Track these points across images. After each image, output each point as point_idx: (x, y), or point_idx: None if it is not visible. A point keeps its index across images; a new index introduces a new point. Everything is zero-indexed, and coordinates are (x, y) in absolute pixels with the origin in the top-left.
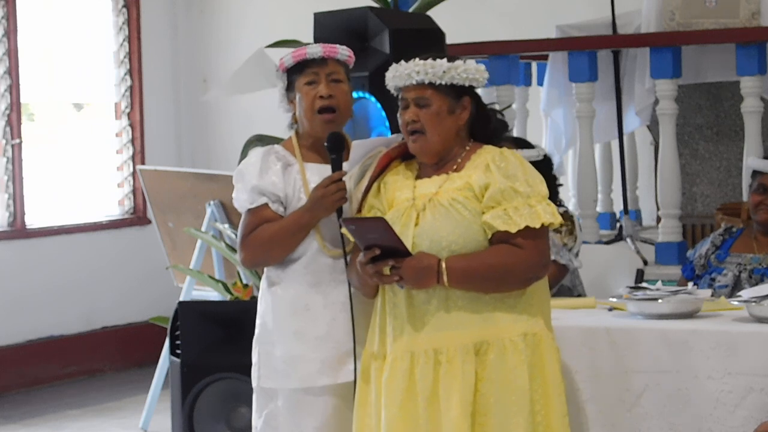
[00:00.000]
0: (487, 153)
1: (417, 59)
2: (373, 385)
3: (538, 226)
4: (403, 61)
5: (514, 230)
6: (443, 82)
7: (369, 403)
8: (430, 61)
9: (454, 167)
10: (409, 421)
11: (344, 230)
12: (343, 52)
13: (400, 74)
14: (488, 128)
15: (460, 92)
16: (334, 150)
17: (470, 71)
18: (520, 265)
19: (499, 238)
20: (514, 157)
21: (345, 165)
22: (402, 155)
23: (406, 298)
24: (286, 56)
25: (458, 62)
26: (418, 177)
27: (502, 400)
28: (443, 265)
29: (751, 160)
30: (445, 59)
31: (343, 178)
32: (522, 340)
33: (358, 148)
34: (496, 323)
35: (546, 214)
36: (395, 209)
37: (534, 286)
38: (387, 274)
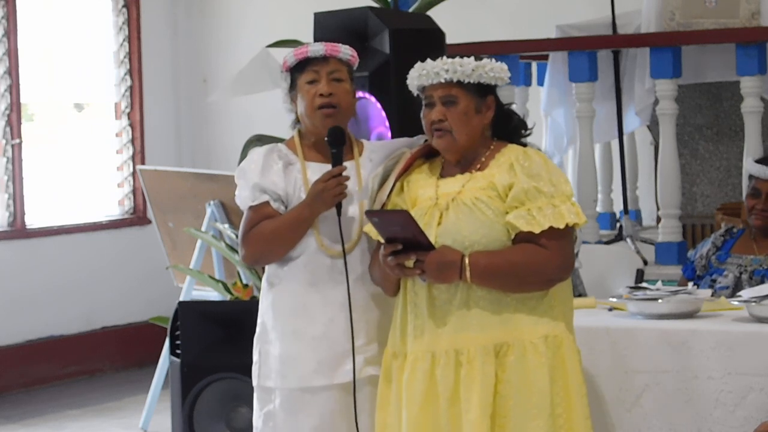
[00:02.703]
0: (511, 152)
1: (444, 57)
2: (394, 385)
3: (562, 226)
4: (429, 60)
5: (537, 231)
6: (471, 81)
7: (390, 403)
8: (458, 59)
9: (478, 166)
10: (430, 422)
11: (366, 228)
12: (346, 51)
13: (427, 72)
14: (510, 127)
15: (485, 91)
16: (335, 144)
17: (496, 70)
18: (543, 265)
19: (523, 238)
20: (538, 156)
21: (348, 164)
22: (426, 154)
23: (428, 298)
24: (289, 55)
25: (485, 60)
26: (441, 176)
27: (521, 402)
28: (466, 260)
29: (747, 164)
30: (472, 57)
31: (351, 173)
32: (543, 342)
33: (380, 149)
34: (516, 325)
35: (570, 215)
36: (418, 208)
37: (556, 288)
38: (409, 267)
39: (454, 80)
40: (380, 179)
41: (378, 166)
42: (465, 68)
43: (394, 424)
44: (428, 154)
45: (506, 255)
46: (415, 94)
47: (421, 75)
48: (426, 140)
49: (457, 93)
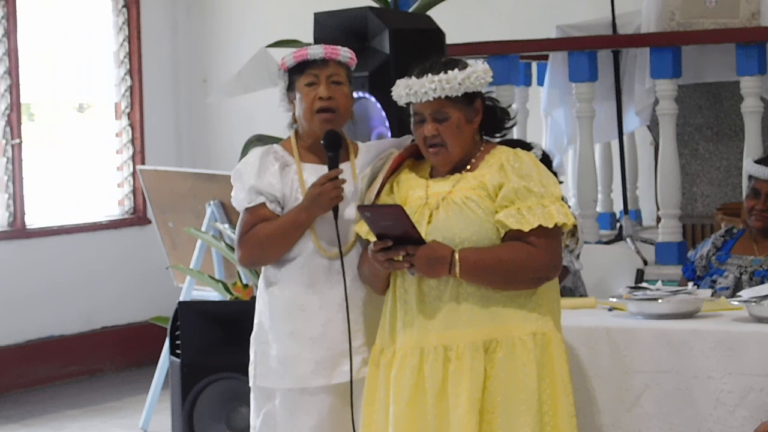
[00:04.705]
0: (501, 153)
1: (429, 74)
2: (382, 381)
3: (551, 225)
4: (414, 77)
5: (527, 229)
6: (459, 94)
7: (377, 398)
8: (443, 75)
9: (468, 167)
10: (417, 418)
11: (357, 228)
12: (345, 53)
13: (415, 92)
14: (495, 120)
15: (472, 97)
16: (331, 148)
17: (480, 75)
18: (531, 263)
19: (512, 236)
20: (528, 157)
21: (344, 165)
22: (414, 155)
23: (417, 294)
24: (287, 56)
25: (469, 69)
26: (431, 176)
27: (509, 398)
28: (456, 256)
29: (746, 164)
30: (456, 69)
31: (347, 176)
32: (531, 339)
33: (369, 149)
34: (505, 322)
35: (559, 215)
36: (408, 207)
37: (544, 287)
38: (398, 261)
39: (443, 96)
40: (368, 180)
41: (366, 167)
42: (452, 84)
43: (380, 420)
44: (416, 154)
45: (495, 251)
46: (400, 105)
47: (408, 94)
48: (413, 140)
49: (447, 109)
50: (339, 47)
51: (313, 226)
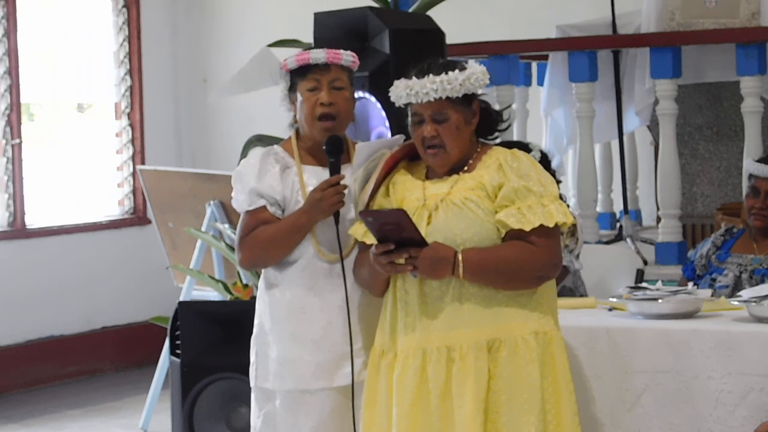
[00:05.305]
0: (499, 153)
1: (430, 75)
2: (383, 382)
3: (551, 224)
4: (414, 78)
5: (528, 228)
6: (459, 95)
7: (378, 401)
8: (444, 76)
9: (465, 168)
10: (421, 419)
11: (351, 231)
12: (347, 57)
13: (416, 92)
14: (491, 121)
15: (471, 98)
16: (333, 153)
17: (479, 77)
18: (533, 262)
19: (513, 236)
20: (525, 157)
21: (345, 168)
22: (407, 156)
23: (419, 295)
24: (290, 58)
25: (468, 71)
26: (427, 177)
27: (513, 397)
28: (459, 257)
29: (746, 163)
30: (456, 70)
31: (349, 181)
32: (533, 338)
33: (361, 150)
34: (508, 321)
35: (559, 214)
36: (405, 209)
37: (544, 285)
38: (401, 263)
39: (443, 97)
40: (361, 181)
41: (359, 168)
42: (453, 85)
43: (381, 423)
44: (410, 155)
45: (498, 251)
46: (397, 105)
47: (408, 95)
48: (406, 139)
49: (447, 110)
50: (341, 51)
51: (313, 230)
